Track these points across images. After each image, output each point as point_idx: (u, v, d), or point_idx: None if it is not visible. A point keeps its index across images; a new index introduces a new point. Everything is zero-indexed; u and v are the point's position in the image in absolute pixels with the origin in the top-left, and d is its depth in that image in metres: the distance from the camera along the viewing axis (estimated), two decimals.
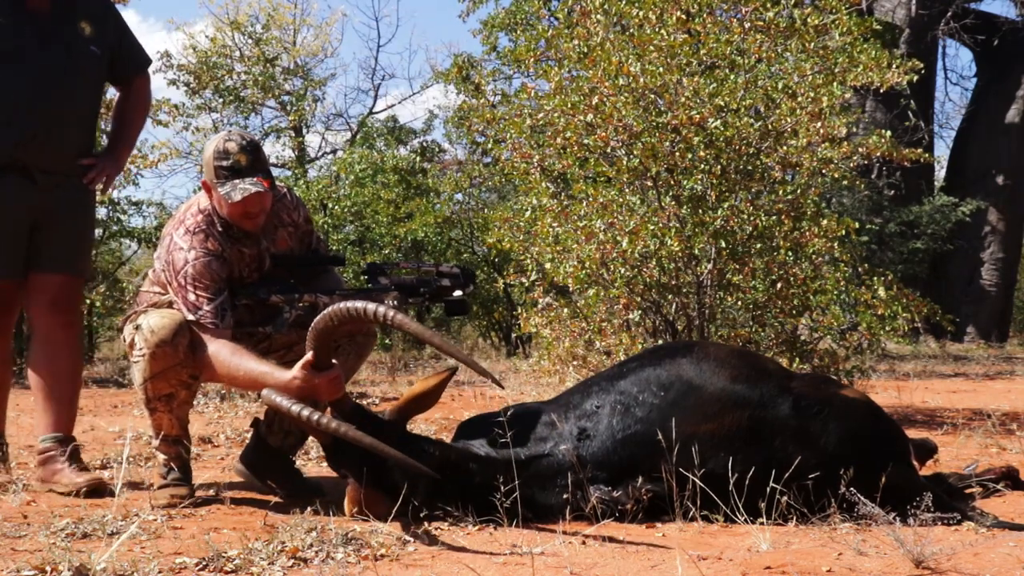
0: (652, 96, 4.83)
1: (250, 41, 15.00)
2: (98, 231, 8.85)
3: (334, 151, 16.60)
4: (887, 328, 4.95)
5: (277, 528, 2.56)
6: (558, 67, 5.35)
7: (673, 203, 4.84)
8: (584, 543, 2.53)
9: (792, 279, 4.90)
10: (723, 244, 4.75)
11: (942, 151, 20.71)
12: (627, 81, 4.78)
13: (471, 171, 13.64)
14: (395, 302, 3.15)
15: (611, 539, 2.56)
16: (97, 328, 10.34)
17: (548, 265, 5.17)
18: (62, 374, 3.45)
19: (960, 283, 15.27)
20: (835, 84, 4.91)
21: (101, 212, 9.19)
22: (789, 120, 4.85)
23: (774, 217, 4.83)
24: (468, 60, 13.35)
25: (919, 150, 7.52)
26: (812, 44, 5.04)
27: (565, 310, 5.32)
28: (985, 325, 14.95)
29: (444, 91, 30.78)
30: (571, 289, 5.21)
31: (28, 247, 3.40)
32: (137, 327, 3.02)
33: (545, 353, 5.46)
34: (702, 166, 4.80)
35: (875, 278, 4.97)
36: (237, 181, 2.98)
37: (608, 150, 4.99)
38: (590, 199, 4.96)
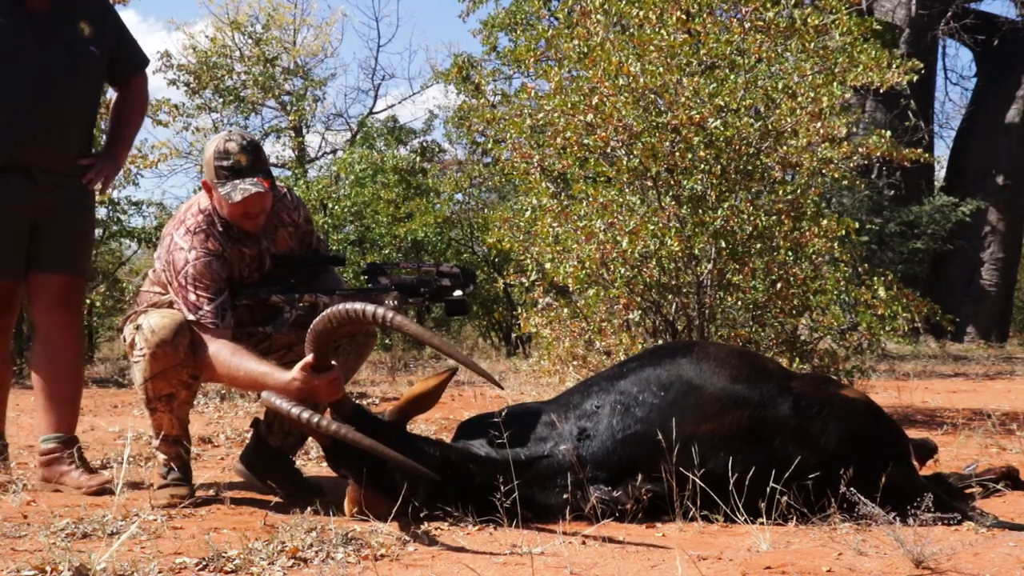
0: (652, 96, 4.83)
1: (250, 41, 15.01)
2: (98, 231, 8.85)
3: (334, 151, 16.61)
4: (887, 328, 4.95)
5: (277, 528, 2.56)
6: (558, 67, 5.35)
7: (673, 203, 4.84)
8: (584, 543, 2.53)
9: (792, 279, 4.90)
10: (723, 244, 4.75)
11: (942, 151, 20.74)
12: (627, 81, 4.78)
13: (471, 171, 13.64)
14: (395, 302, 3.15)
15: (611, 539, 2.56)
16: (97, 328, 10.34)
17: (548, 265, 5.17)
18: (64, 374, 3.46)
19: (960, 283, 15.27)
20: (835, 84, 4.91)
21: (101, 212, 9.19)
22: (789, 120, 4.85)
23: (774, 217, 4.83)
24: (468, 60, 13.35)
25: (919, 150, 7.53)
26: (812, 44, 5.04)
27: (565, 310, 5.32)
28: (985, 325, 14.95)
29: (444, 91, 30.81)
30: (571, 289, 5.22)
31: (29, 247, 3.40)
32: (137, 327, 3.02)
33: (545, 353, 5.47)
34: (702, 166, 4.80)
35: (875, 278, 4.97)
36: (237, 181, 2.98)
37: (608, 150, 4.99)
38: (590, 199, 4.96)
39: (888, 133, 5.57)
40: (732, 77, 4.90)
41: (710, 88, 4.77)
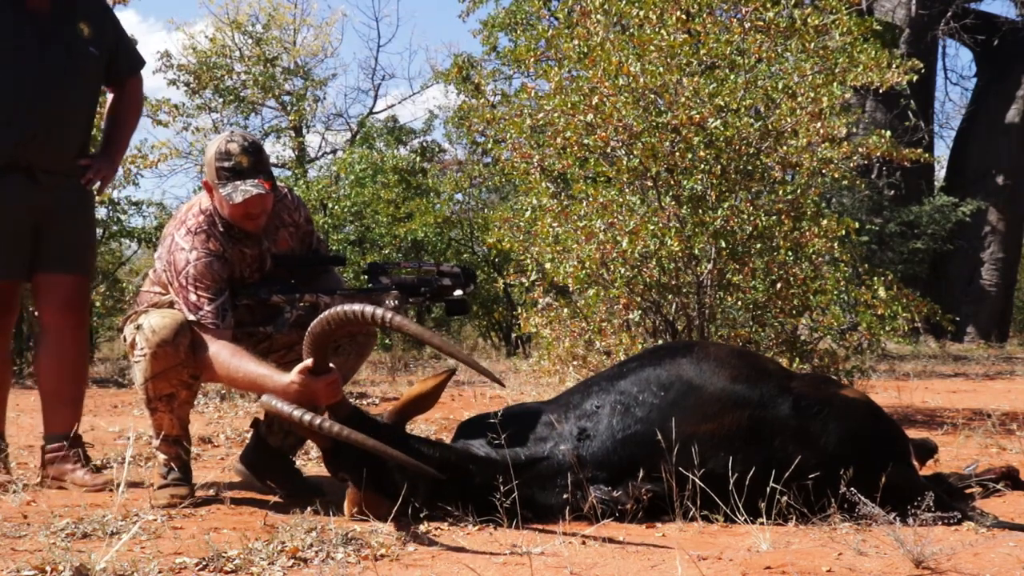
0: (652, 96, 4.83)
1: (250, 41, 15.01)
2: (98, 231, 8.85)
3: (334, 151, 16.62)
4: (887, 328, 4.95)
5: (277, 528, 2.56)
6: (558, 67, 5.35)
7: (673, 203, 4.84)
8: (584, 543, 2.53)
9: (792, 279, 4.90)
10: (723, 244, 4.75)
11: (942, 151, 20.74)
12: (627, 81, 4.78)
13: (471, 171, 13.64)
14: (395, 302, 3.15)
15: (611, 539, 2.56)
16: (97, 328, 10.33)
17: (548, 265, 5.17)
18: (70, 374, 3.49)
19: (960, 283, 15.27)
20: (835, 84, 4.91)
21: (101, 212, 9.19)
22: (789, 120, 4.85)
23: (774, 217, 4.83)
24: (468, 60, 13.35)
25: (919, 150, 7.53)
26: (812, 44, 5.04)
27: (565, 310, 5.32)
28: (985, 325, 14.95)
29: (444, 91, 30.81)
30: (571, 289, 5.22)
31: (33, 248, 3.41)
32: (138, 327, 3.02)
33: (545, 353, 5.47)
34: (702, 166, 4.80)
35: (875, 278, 4.97)
36: (238, 182, 2.98)
37: (608, 150, 4.99)
38: (590, 199, 4.96)
39: (888, 133, 5.57)
40: (732, 77, 4.90)
41: (710, 88, 4.77)
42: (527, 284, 5.55)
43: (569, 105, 4.91)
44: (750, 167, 4.90)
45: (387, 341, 11.55)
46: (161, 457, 3.13)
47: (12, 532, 2.58)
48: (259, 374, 2.86)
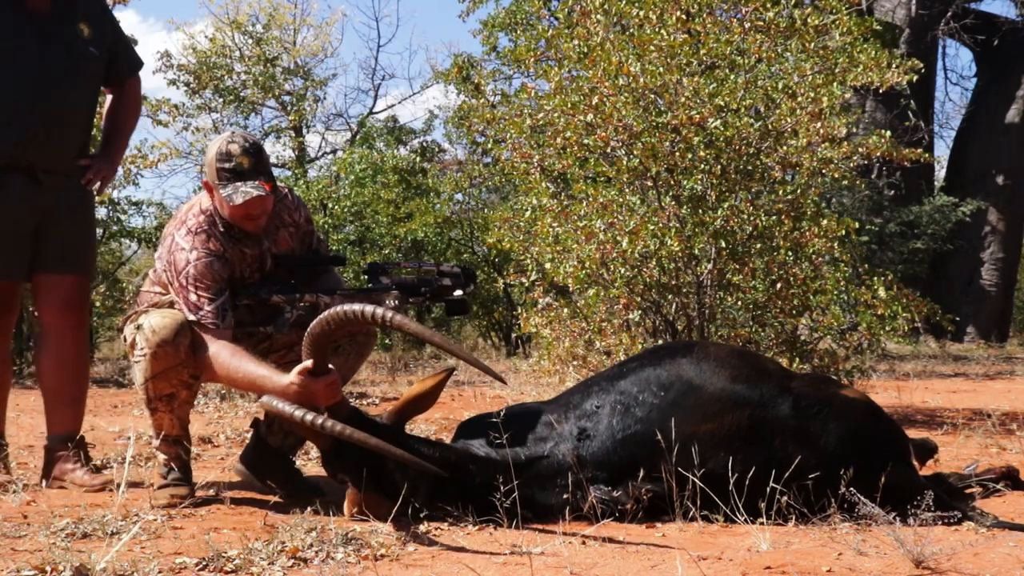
0: (652, 96, 4.83)
1: (250, 41, 15.01)
2: (98, 231, 8.86)
3: (334, 151, 16.61)
4: (887, 328, 4.95)
5: (277, 528, 2.56)
6: (558, 67, 5.35)
7: (673, 203, 4.84)
8: (584, 543, 2.53)
9: (792, 279, 4.90)
10: (723, 244, 4.75)
11: (942, 151, 20.73)
12: (627, 81, 4.78)
13: (471, 171, 13.64)
14: (396, 302, 3.15)
15: (611, 539, 2.56)
16: (97, 328, 10.33)
17: (548, 265, 5.17)
18: (72, 374, 3.50)
19: (960, 283, 15.26)
20: (835, 84, 4.91)
21: (101, 212, 9.19)
22: (789, 120, 4.85)
23: (774, 217, 4.83)
24: (468, 60, 13.34)
25: (919, 150, 7.53)
26: (812, 44, 5.04)
27: (565, 310, 5.32)
28: (985, 325, 14.94)
29: (444, 91, 30.81)
30: (571, 289, 5.21)
31: (33, 249, 3.41)
32: (138, 327, 3.02)
33: (545, 353, 5.46)
34: (702, 166, 4.80)
35: (875, 278, 4.97)
36: (239, 184, 2.98)
37: (608, 150, 4.99)
38: (590, 199, 4.96)
39: (888, 133, 5.57)
40: (732, 77, 4.90)
41: (710, 88, 4.77)
42: (527, 284, 5.55)
43: (569, 105, 4.91)
44: (750, 167, 4.90)
45: (387, 341, 11.55)
46: (161, 457, 3.14)
47: (12, 532, 2.58)
48: (258, 375, 2.86)
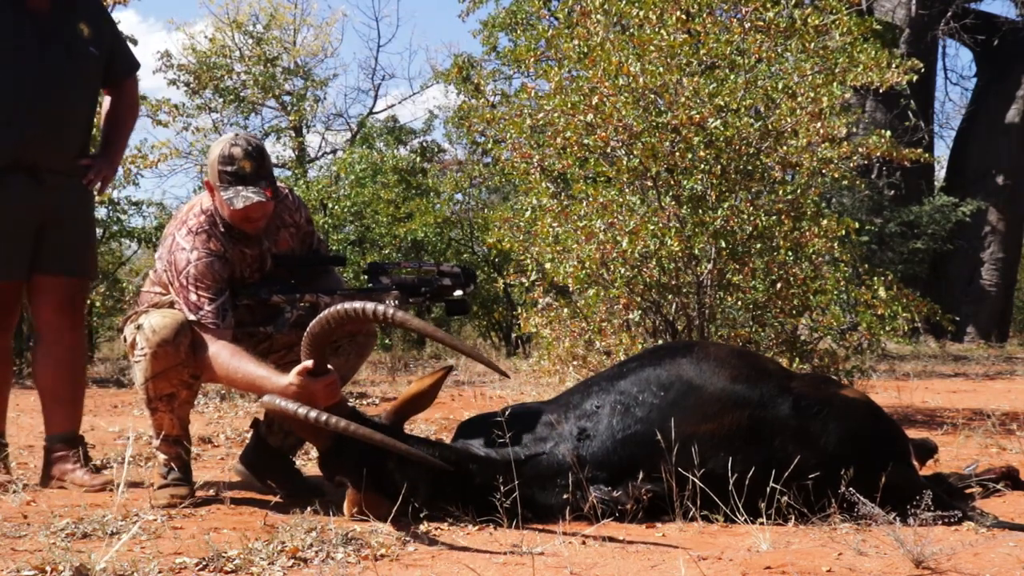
0: (652, 96, 4.83)
1: (251, 41, 15.01)
2: (98, 231, 8.86)
3: (334, 151, 16.61)
4: (887, 328, 4.95)
5: (277, 528, 2.56)
6: (558, 67, 5.35)
7: (673, 203, 4.84)
8: (584, 543, 2.53)
9: (792, 279, 4.90)
10: (723, 244, 4.75)
11: (942, 151, 20.72)
12: (627, 81, 4.78)
13: (471, 171, 13.64)
14: (396, 302, 3.15)
15: (611, 539, 2.56)
16: (97, 328, 10.34)
17: (548, 265, 5.17)
18: (69, 375, 3.50)
19: (960, 283, 15.26)
20: (835, 84, 4.91)
21: (101, 212, 9.19)
22: (789, 120, 4.85)
23: (774, 217, 4.83)
24: (468, 60, 13.34)
25: (919, 150, 7.53)
26: (812, 44, 5.04)
27: (565, 310, 5.32)
28: (985, 325, 14.94)
29: (444, 91, 30.81)
30: (571, 289, 5.22)
31: (33, 249, 3.41)
32: (139, 327, 3.02)
33: (545, 353, 5.46)
34: (702, 166, 4.80)
35: (875, 278, 4.97)
36: (240, 188, 2.99)
37: (608, 150, 4.99)
38: (590, 199, 4.96)
39: (888, 133, 5.57)
40: (732, 77, 4.90)
41: (710, 88, 4.77)
42: (527, 284, 5.55)
43: (569, 105, 4.91)
44: (750, 167, 4.90)
45: (387, 341, 11.55)
46: (161, 457, 3.14)
47: (12, 532, 2.58)
48: (258, 375, 2.86)
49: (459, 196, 13.74)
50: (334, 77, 34.49)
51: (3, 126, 3.30)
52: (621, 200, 4.94)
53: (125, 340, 3.14)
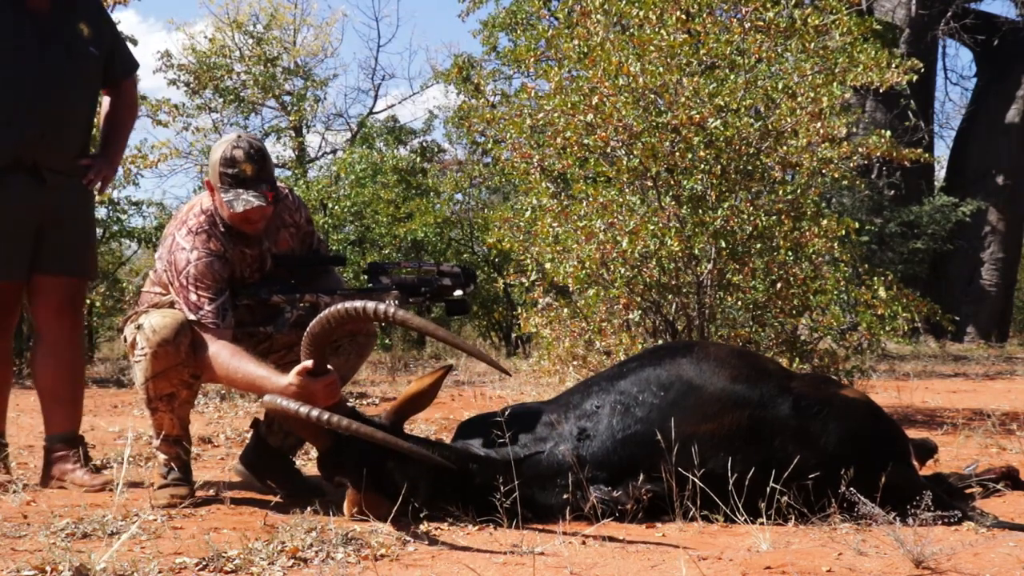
0: (652, 96, 4.83)
1: (250, 41, 15.01)
2: (98, 231, 8.86)
3: (334, 151, 16.61)
4: (887, 328, 4.95)
5: (277, 528, 2.56)
6: (558, 67, 5.35)
7: (673, 203, 4.84)
8: (584, 543, 2.53)
9: (792, 279, 4.90)
10: (723, 244, 4.75)
11: (942, 151, 20.73)
12: (627, 81, 4.78)
13: (471, 171, 13.64)
14: (396, 301, 3.15)
15: (611, 539, 2.56)
16: (97, 328, 10.34)
17: (548, 265, 5.17)
18: (69, 375, 3.50)
19: (960, 283, 15.26)
20: (835, 84, 4.91)
21: (101, 212, 9.19)
22: (789, 120, 4.85)
23: (774, 217, 4.83)
24: (468, 60, 13.34)
25: (919, 150, 7.53)
26: (812, 44, 5.04)
27: (565, 310, 5.32)
28: (985, 325, 14.95)
29: (444, 91, 30.80)
30: (571, 289, 5.21)
31: (33, 249, 3.41)
32: (139, 327, 3.02)
33: (545, 353, 5.46)
34: (702, 166, 4.80)
35: (875, 278, 4.97)
36: (240, 191, 2.99)
37: (608, 150, 4.99)
38: (590, 199, 4.96)
39: (888, 133, 5.57)
40: (732, 77, 4.90)
41: (710, 88, 4.77)
42: (527, 284, 5.55)
43: (569, 105, 4.90)
44: (750, 167, 4.90)
45: (387, 341, 11.55)
46: (161, 457, 3.14)
47: (12, 532, 2.58)
48: (258, 375, 2.86)
49: (459, 196, 13.74)
50: (334, 77, 34.52)
51: (3, 126, 3.30)
52: (621, 200, 4.94)
53: (125, 340, 3.14)
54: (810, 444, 2.79)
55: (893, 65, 5.33)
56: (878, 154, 5.58)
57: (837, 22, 5.15)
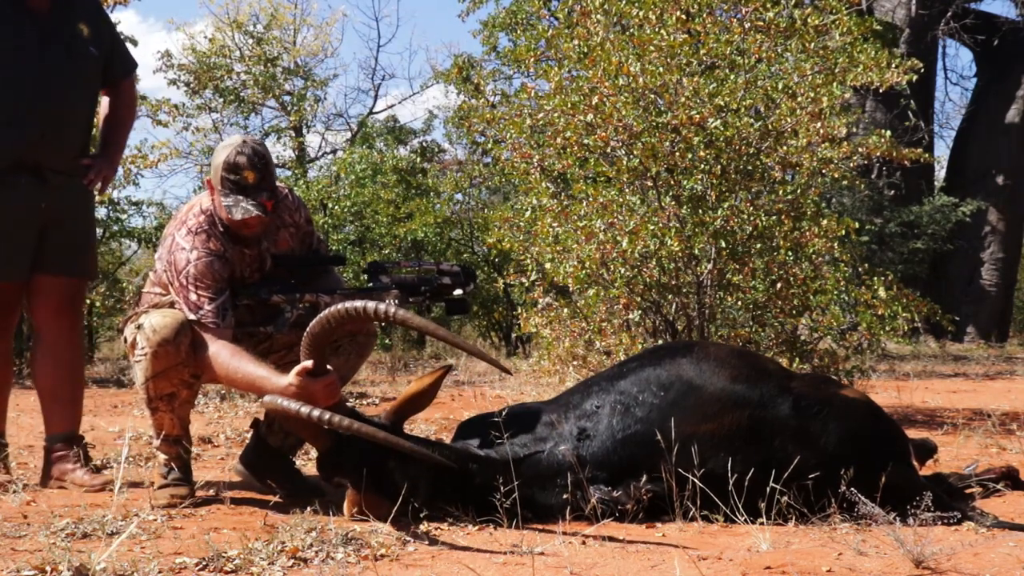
0: (652, 96, 4.83)
1: (250, 41, 15.00)
2: (98, 231, 8.86)
3: (334, 151, 16.59)
4: (887, 328, 4.94)
5: (277, 528, 2.56)
6: (558, 67, 5.35)
7: (673, 203, 4.83)
8: (584, 543, 2.53)
9: (792, 279, 4.90)
10: (723, 244, 4.75)
11: (942, 151, 20.70)
12: (627, 81, 4.78)
13: (471, 171, 13.63)
14: (396, 301, 3.15)
15: (611, 539, 2.56)
16: (97, 328, 10.34)
17: (548, 265, 5.17)
18: (69, 375, 3.51)
19: (960, 283, 15.26)
20: (835, 84, 4.91)
21: (101, 212, 9.18)
22: (789, 120, 4.85)
23: (774, 217, 4.83)
24: (468, 60, 13.34)
25: (919, 150, 7.54)
26: (812, 44, 5.04)
27: (565, 310, 5.32)
28: (985, 325, 14.95)
29: (444, 91, 30.77)
30: (571, 289, 5.21)
31: (34, 249, 3.41)
32: (139, 327, 3.02)
33: (545, 353, 5.46)
34: (702, 166, 4.80)
35: (875, 278, 4.97)
36: (240, 198, 2.99)
37: (608, 150, 4.99)
38: (590, 199, 4.96)
39: (888, 133, 5.58)
40: (732, 77, 4.90)
41: (710, 88, 4.77)
42: (527, 284, 5.55)
43: (569, 105, 4.90)
44: (750, 167, 4.90)
45: (387, 341, 11.55)
46: (161, 457, 3.14)
47: (12, 532, 2.58)
48: (258, 375, 2.86)
49: (459, 196, 13.74)
50: (334, 77, 34.53)
51: (3, 126, 3.30)
52: (621, 200, 4.94)
53: (125, 340, 3.14)
54: (810, 444, 2.79)
55: (893, 65, 5.34)
56: (878, 154, 5.59)
57: (837, 22, 5.15)
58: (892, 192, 14.48)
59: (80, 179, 3.48)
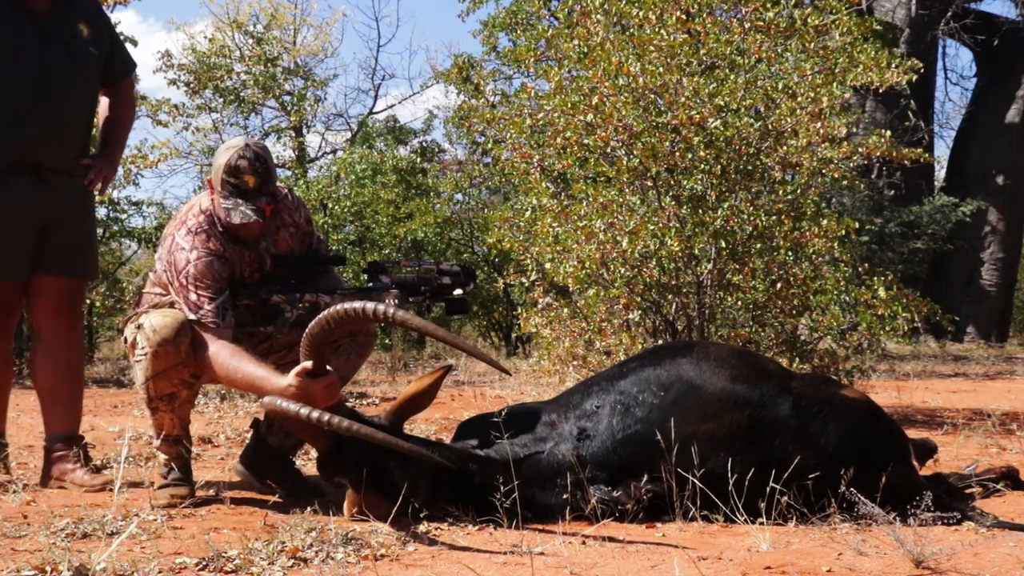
0: (652, 96, 4.83)
1: (251, 41, 15.00)
2: (98, 231, 8.86)
3: (334, 151, 16.59)
4: (887, 328, 4.95)
5: (277, 528, 2.56)
6: (558, 67, 5.35)
7: (673, 203, 4.83)
8: (584, 543, 2.53)
9: (792, 279, 4.90)
10: (723, 244, 4.75)
11: (942, 151, 20.70)
12: (627, 81, 4.78)
13: (471, 171, 13.63)
14: (396, 301, 3.15)
15: (611, 539, 2.56)
16: (97, 328, 10.34)
17: (548, 265, 5.17)
18: (68, 375, 3.51)
19: (960, 283, 15.27)
20: (835, 84, 4.91)
21: (101, 212, 9.18)
22: (789, 120, 4.85)
23: (774, 217, 4.83)
24: (468, 60, 13.34)
25: (919, 150, 7.55)
26: (812, 44, 5.04)
27: (565, 310, 5.32)
28: (985, 325, 14.95)
29: (444, 91, 30.76)
30: (571, 289, 5.21)
31: (35, 249, 3.41)
32: (139, 327, 3.02)
33: (545, 353, 5.46)
34: (702, 166, 4.80)
35: (875, 278, 4.97)
36: (240, 201, 2.99)
37: (608, 150, 4.99)
38: (590, 199, 4.96)
39: (888, 133, 5.58)
40: (732, 77, 4.90)
41: (710, 88, 4.77)
42: (527, 284, 5.55)
43: (569, 105, 4.90)
44: (750, 167, 4.90)
45: (387, 341, 11.54)
46: (161, 457, 3.14)
47: (12, 532, 2.58)
48: (257, 376, 2.86)
49: (459, 196, 13.74)
50: (334, 77, 34.55)
51: (3, 126, 3.30)
52: (621, 200, 4.94)
53: (125, 340, 3.14)
54: (810, 444, 2.79)
55: (893, 65, 5.34)
56: (878, 154, 5.59)
57: (837, 22, 5.15)
58: (892, 192, 14.48)
59: (80, 179, 3.48)
